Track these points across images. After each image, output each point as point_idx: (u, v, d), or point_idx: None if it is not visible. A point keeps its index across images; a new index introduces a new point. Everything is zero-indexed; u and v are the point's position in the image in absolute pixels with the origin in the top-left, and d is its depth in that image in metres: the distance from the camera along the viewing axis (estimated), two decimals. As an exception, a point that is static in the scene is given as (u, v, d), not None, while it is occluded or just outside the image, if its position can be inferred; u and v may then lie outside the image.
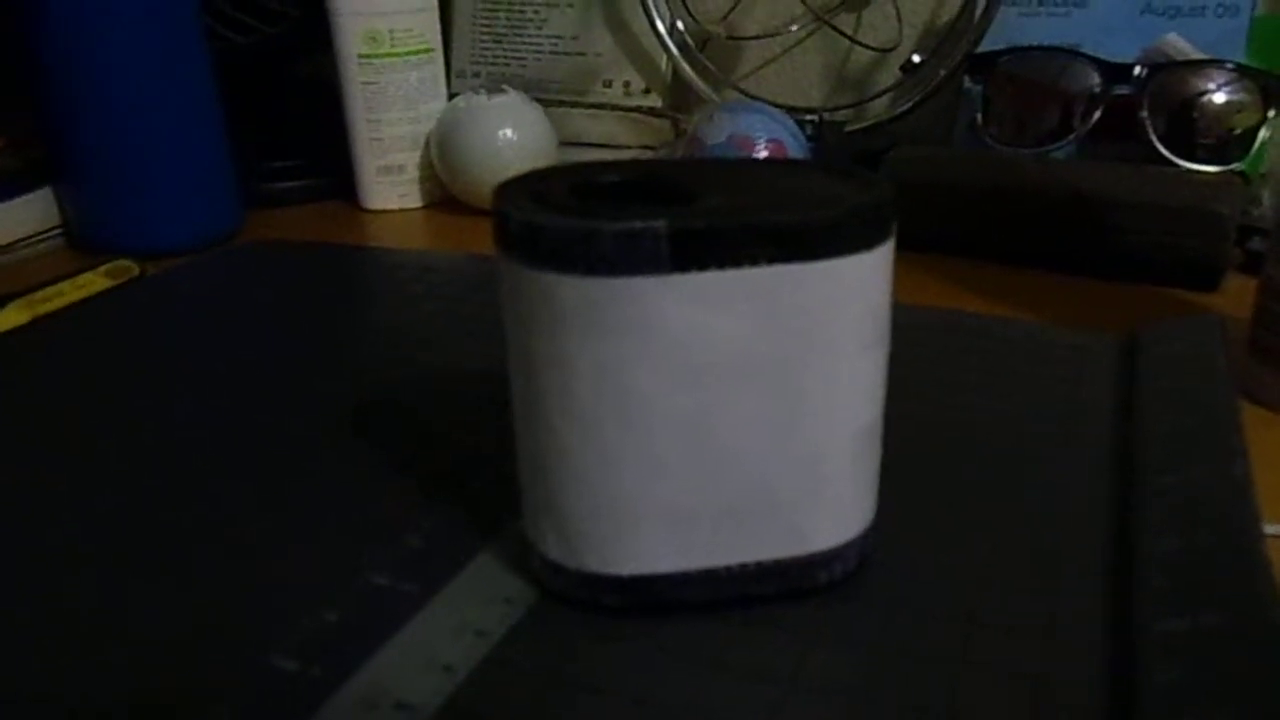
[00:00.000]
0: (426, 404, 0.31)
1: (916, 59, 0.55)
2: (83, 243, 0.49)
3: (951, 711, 0.18)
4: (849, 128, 0.57)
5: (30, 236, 0.49)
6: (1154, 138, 0.48)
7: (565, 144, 0.62)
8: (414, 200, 0.57)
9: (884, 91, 0.58)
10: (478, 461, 0.27)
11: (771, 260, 0.18)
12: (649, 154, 0.61)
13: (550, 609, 0.21)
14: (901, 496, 0.25)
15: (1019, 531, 0.24)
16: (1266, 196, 0.46)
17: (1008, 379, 0.31)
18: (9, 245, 0.48)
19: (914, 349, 0.34)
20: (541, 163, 0.53)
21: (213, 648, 0.20)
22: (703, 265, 0.18)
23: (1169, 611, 0.19)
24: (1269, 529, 0.25)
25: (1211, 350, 0.30)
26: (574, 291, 0.18)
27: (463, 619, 0.21)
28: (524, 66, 0.65)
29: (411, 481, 0.26)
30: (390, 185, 0.56)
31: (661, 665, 0.20)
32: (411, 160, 0.56)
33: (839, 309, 0.19)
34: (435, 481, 0.26)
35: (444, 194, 0.57)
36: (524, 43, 0.65)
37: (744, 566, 0.21)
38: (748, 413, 0.19)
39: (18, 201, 0.49)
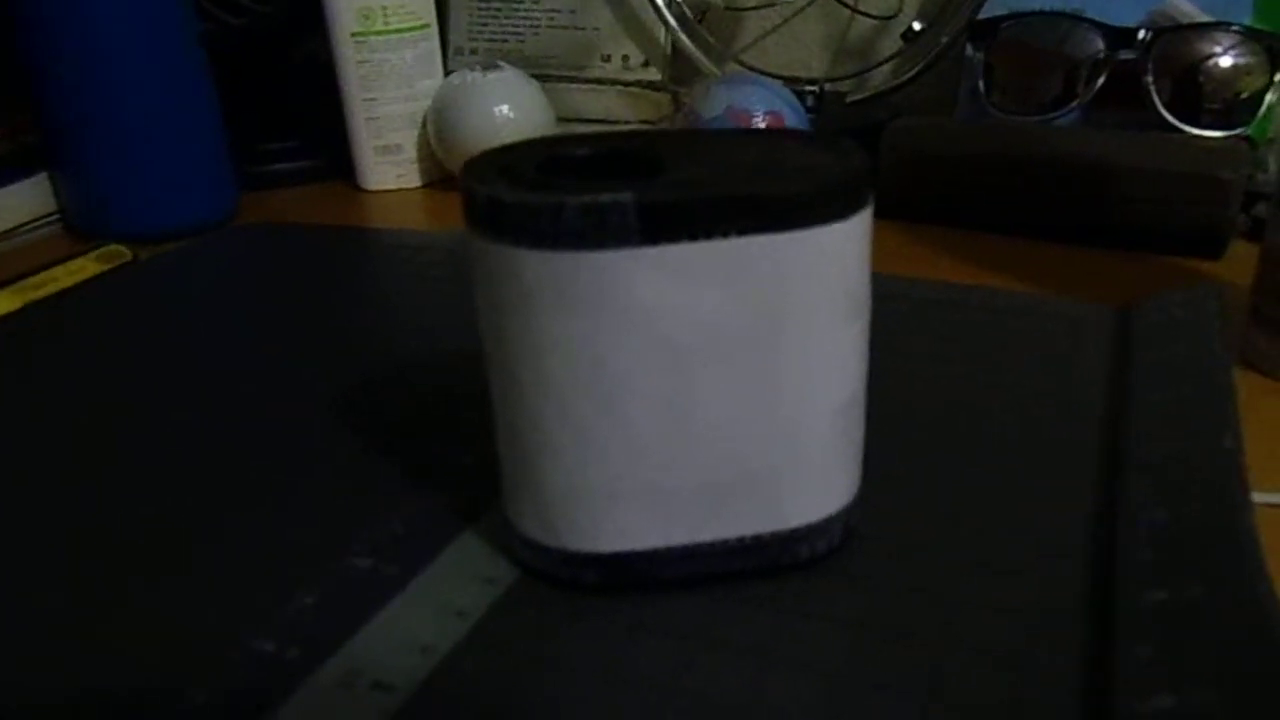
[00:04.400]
0: (417, 385, 0.31)
1: (917, 26, 0.54)
2: (79, 228, 0.49)
3: (931, 687, 0.18)
4: (851, 98, 0.57)
5: (27, 223, 0.49)
6: (1159, 103, 0.47)
7: (564, 119, 0.62)
8: (412, 180, 0.56)
9: (885, 61, 0.57)
10: (463, 442, 0.27)
11: (743, 231, 0.18)
12: (647, 128, 0.61)
13: (530, 588, 0.21)
14: (888, 471, 0.25)
15: (1006, 505, 0.23)
16: (1272, 162, 0.45)
17: (1003, 351, 0.31)
18: (6, 232, 0.48)
19: (909, 321, 0.34)
20: (538, 139, 0.53)
21: (191, 631, 0.20)
22: (673, 237, 0.18)
23: (1152, 584, 0.19)
24: (1264, 497, 0.24)
25: (1207, 320, 0.29)
26: (542, 266, 0.18)
27: (443, 600, 0.21)
28: (521, 41, 0.64)
29: (397, 463, 0.26)
30: (388, 165, 0.56)
31: (641, 642, 0.20)
32: (409, 139, 0.56)
33: (814, 280, 0.19)
34: (420, 463, 0.26)
35: (442, 173, 0.56)
36: (521, 17, 0.64)
37: (724, 542, 0.21)
38: (724, 387, 0.19)
39: (14, 188, 0.49)
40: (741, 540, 0.21)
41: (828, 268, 0.19)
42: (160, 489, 0.26)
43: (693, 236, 0.18)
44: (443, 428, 0.28)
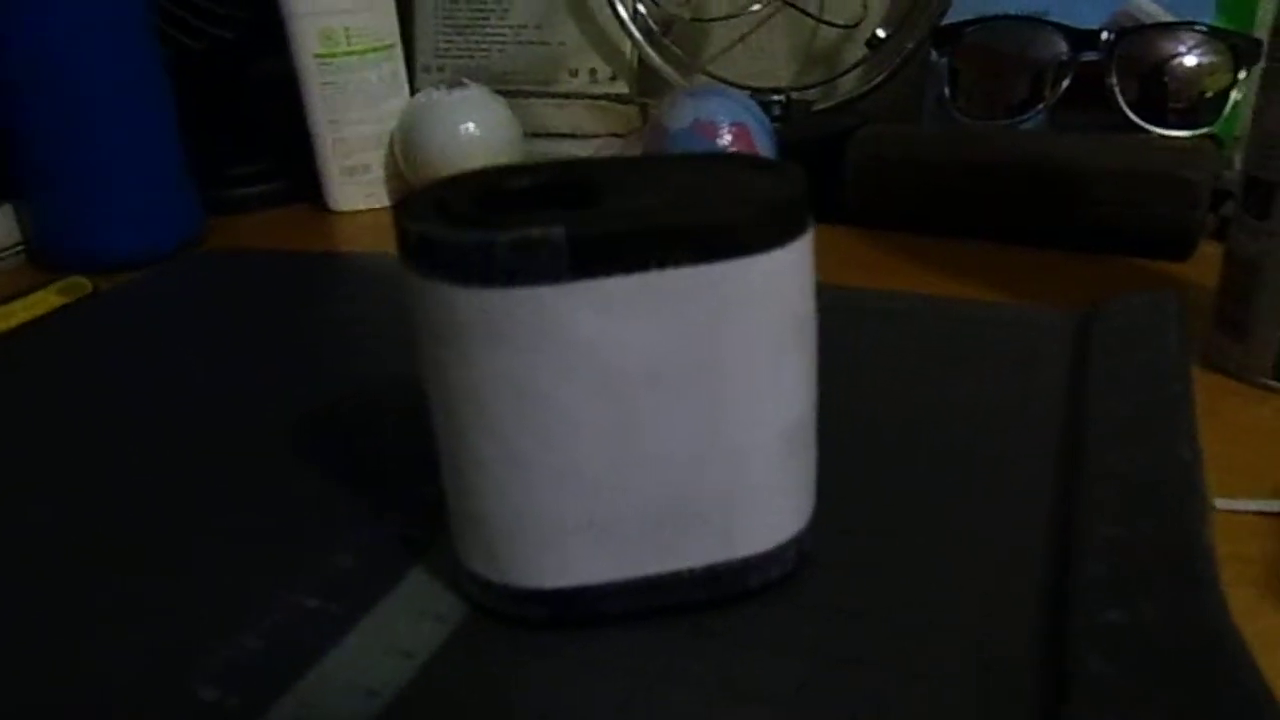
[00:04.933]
0: (373, 416, 0.30)
1: (881, 33, 0.54)
2: (43, 259, 0.48)
3: (883, 715, 0.18)
4: (817, 107, 0.57)
5: (-10, 255, 0.49)
6: (1123, 104, 0.47)
7: (532, 135, 0.61)
8: (380, 200, 0.56)
9: (850, 69, 0.57)
10: (421, 474, 0.27)
11: (676, 263, 0.18)
12: (617, 141, 0.61)
13: (479, 625, 0.21)
14: (842, 490, 0.25)
15: (963, 525, 0.23)
16: (1237, 161, 0.45)
17: (964, 363, 0.31)
18: (-31, 264, 0.48)
19: (868, 334, 0.33)
20: (505, 156, 0.53)
21: (133, 676, 0.20)
22: (606, 271, 0.17)
23: (1107, 603, 0.19)
24: (1226, 503, 0.24)
25: (1167, 327, 0.29)
26: (475, 303, 0.18)
27: (390, 639, 0.20)
28: (488, 58, 0.64)
29: (349, 497, 0.26)
30: (355, 186, 0.56)
31: (590, 678, 0.19)
32: (376, 160, 0.55)
33: (753, 309, 0.18)
34: (376, 495, 0.26)
35: (410, 192, 0.56)
36: (487, 34, 0.64)
37: (674, 574, 0.20)
38: (668, 417, 0.19)
39: (-25, 220, 0.48)
40: (691, 571, 0.20)
41: (767, 296, 0.19)
42: (104, 528, 0.25)
43: (626, 269, 0.17)
44: (402, 459, 0.28)
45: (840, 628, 0.20)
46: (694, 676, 0.19)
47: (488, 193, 0.20)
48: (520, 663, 0.20)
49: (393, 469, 0.27)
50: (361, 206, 0.56)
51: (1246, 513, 0.24)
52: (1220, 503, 0.24)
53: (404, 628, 0.21)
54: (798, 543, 0.21)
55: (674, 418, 0.19)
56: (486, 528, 0.20)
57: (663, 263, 0.18)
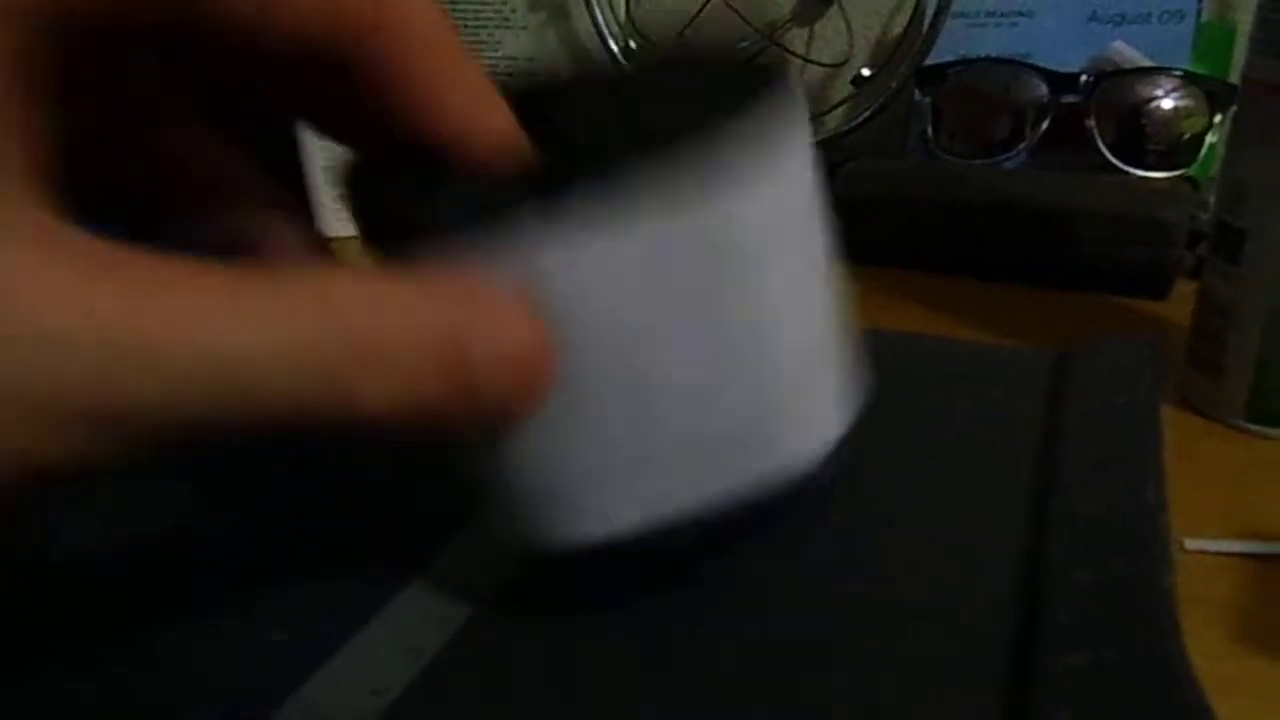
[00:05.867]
0: (355, 449, 0.30)
1: (866, 72, 0.55)
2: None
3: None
4: (804, 142, 0.57)
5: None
6: (1102, 146, 0.48)
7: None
8: (369, 228, 0.56)
9: (836, 106, 0.58)
10: (395, 506, 0.27)
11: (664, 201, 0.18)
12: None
13: (454, 660, 0.21)
14: (816, 528, 0.25)
15: (930, 564, 0.23)
16: (1212, 201, 0.46)
17: (940, 400, 0.31)
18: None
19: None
20: (494, 187, 0.53)
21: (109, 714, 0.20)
22: (592, 229, 0.17)
23: (1071, 647, 0.19)
24: (1196, 544, 0.24)
25: (1141, 371, 0.30)
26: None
27: (361, 675, 0.20)
28: (480, 90, 0.65)
29: (325, 531, 0.26)
30: (346, 213, 0.56)
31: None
32: (366, 188, 0.56)
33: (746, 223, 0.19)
34: (348, 530, 0.26)
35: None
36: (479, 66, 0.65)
37: (708, 511, 0.20)
38: (682, 351, 0.18)
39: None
40: (725, 506, 0.20)
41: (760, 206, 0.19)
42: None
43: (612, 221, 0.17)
44: (375, 493, 0.28)
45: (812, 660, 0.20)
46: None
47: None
48: (490, 699, 0.20)
49: (366, 502, 0.27)
50: (353, 232, 0.56)
51: (1216, 553, 0.24)
52: (1190, 543, 0.25)
53: (377, 663, 0.21)
54: (839, 449, 0.21)
55: (689, 350, 0.18)
56: (517, 489, 0.20)
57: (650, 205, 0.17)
